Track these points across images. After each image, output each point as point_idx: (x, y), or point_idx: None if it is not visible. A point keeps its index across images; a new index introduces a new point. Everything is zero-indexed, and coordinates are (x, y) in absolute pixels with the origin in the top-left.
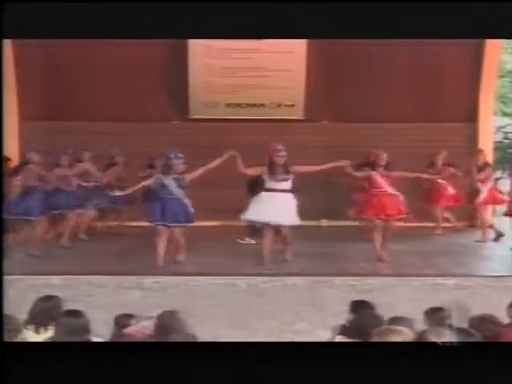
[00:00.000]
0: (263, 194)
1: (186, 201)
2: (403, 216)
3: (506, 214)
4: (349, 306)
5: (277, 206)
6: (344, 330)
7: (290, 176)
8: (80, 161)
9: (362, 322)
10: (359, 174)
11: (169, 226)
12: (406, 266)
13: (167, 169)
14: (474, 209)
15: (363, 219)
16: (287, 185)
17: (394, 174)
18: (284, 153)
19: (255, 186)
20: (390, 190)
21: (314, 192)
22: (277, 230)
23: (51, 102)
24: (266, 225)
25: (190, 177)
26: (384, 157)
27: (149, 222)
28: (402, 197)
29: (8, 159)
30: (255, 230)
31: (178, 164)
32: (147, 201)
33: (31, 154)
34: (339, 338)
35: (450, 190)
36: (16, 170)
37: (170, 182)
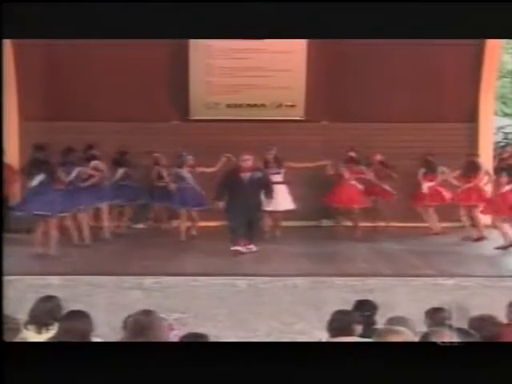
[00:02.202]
0: None
1: (200, 188)
2: (362, 206)
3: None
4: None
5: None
6: (328, 327)
7: (282, 170)
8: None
9: (342, 320)
10: (331, 171)
11: (189, 210)
12: (406, 266)
13: (182, 163)
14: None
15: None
16: (279, 177)
17: (354, 169)
18: (273, 151)
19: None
20: (353, 182)
21: (315, 192)
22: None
23: (51, 101)
24: (265, 211)
25: (199, 170)
26: (349, 155)
27: (170, 207)
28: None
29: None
30: (250, 233)
31: (190, 159)
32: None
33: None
34: (325, 336)
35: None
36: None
37: (186, 174)
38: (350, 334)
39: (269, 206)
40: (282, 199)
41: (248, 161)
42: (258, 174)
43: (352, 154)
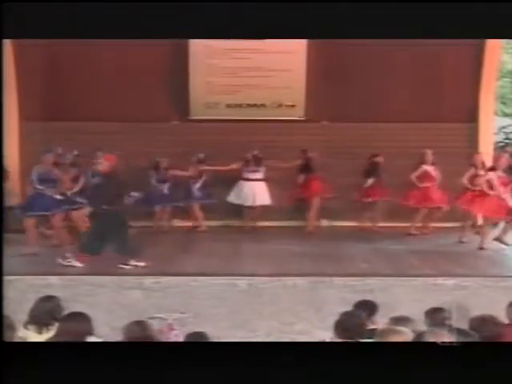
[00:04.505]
0: (240, 182)
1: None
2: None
3: None
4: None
5: (251, 192)
6: (335, 329)
7: (261, 168)
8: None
9: (349, 321)
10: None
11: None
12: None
13: (201, 161)
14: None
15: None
16: (259, 175)
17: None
18: (254, 150)
19: None
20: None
21: None
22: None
23: (51, 101)
24: (243, 206)
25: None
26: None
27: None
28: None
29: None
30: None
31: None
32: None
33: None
34: (329, 337)
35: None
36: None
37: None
38: (359, 335)
39: (246, 200)
40: (259, 195)
41: (98, 164)
42: (97, 179)
43: (256, 153)
